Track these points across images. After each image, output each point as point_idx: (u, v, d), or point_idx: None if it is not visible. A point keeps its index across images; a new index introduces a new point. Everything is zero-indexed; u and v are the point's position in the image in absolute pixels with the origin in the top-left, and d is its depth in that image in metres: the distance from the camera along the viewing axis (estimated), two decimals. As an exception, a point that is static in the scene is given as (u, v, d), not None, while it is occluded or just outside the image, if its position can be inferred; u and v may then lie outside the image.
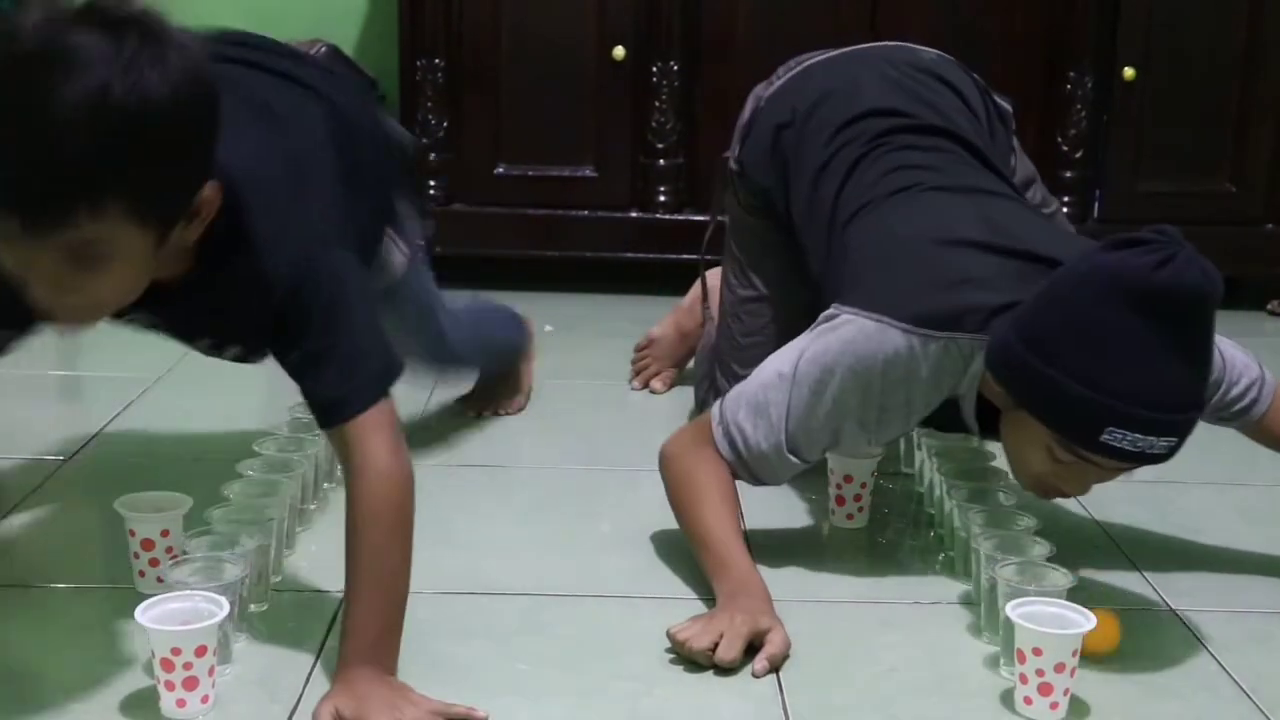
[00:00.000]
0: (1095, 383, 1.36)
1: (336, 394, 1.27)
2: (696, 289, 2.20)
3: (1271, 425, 1.59)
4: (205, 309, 1.30)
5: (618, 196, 2.94)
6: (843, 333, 1.51)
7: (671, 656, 1.38)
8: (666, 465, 1.59)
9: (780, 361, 1.54)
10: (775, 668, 1.36)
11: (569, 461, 1.95)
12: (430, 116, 2.90)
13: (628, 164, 2.93)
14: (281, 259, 1.26)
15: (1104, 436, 1.37)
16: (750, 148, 1.87)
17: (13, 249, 1.11)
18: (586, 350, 2.58)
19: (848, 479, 1.73)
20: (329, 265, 1.29)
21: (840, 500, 1.74)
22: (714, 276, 2.14)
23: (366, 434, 1.26)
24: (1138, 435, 1.37)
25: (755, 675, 1.35)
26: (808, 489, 1.82)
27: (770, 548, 1.65)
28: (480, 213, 2.95)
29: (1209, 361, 1.40)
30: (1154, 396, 1.36)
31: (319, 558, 1.59)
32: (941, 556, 1.66)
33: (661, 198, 2.94)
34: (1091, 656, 1.33)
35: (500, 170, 2.95)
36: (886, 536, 1.73)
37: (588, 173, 2.95)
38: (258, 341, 1.36)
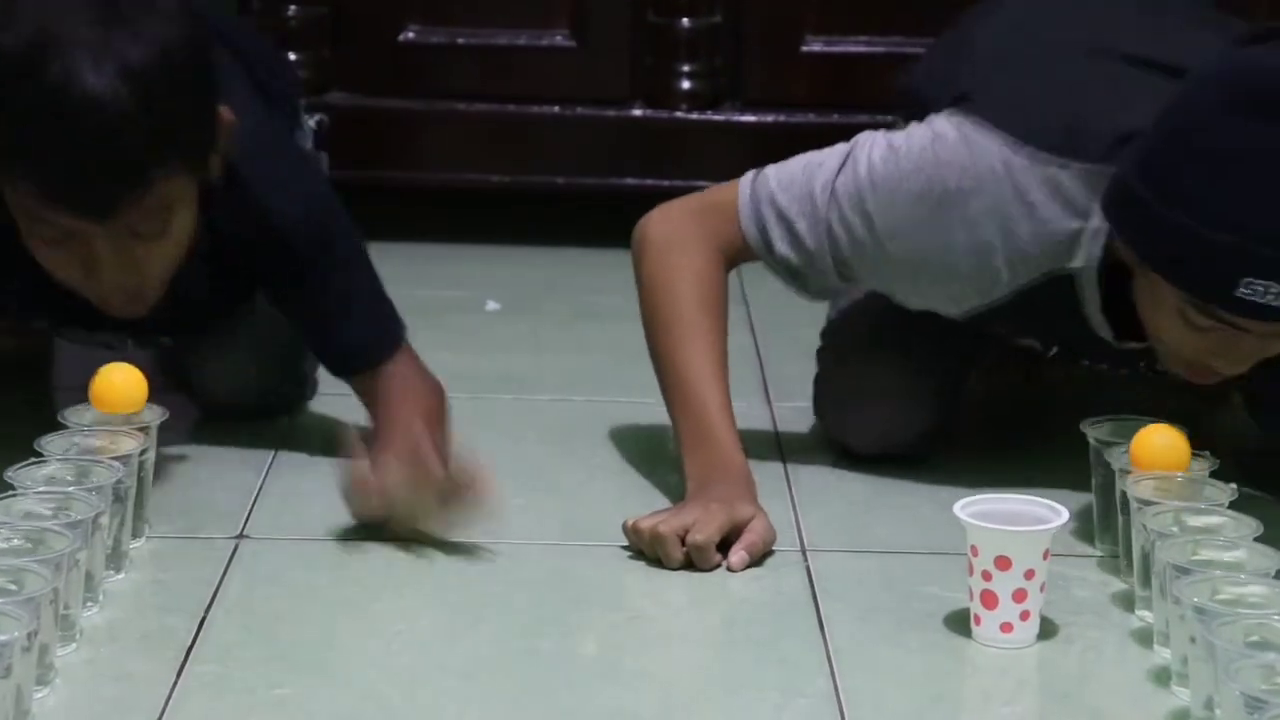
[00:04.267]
0: (1223, 220, 1.68)
1: (362, 340, 1.97)
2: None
3: None
4: (210, 277, 1.94)
5: (611, 82, 2.93)
6: (920, 133, 1.90)
7: None
8: (645, 252, 2.01)
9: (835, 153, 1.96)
10: (755, 561, 1.83)
11: (527, 534, 1.95)
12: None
13: (626, 27, 2.91)
14: (287, 196, 1.94)
15: (1241, 290, 1.68)
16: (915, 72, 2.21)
17: (81, 243, 1.76)
18: (554, 343, 2.58)
19: (1002, 563, 1.69)
20: (334, 203, 2.01)
21: (990, 600, 1.71)
22: None
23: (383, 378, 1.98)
24: None
25: (731, 569, 1.81)
26: (929, 578, 1.84)
27: (866, 681, 1.65)
28: (374, 107, 2.93)
29: None
30: None
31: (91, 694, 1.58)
32: (1173, 688, 1.63)
33: (684, 84, 2.92)
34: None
35: (409, 36, 2.93)
36: (1071, 663, 1.71)
37: (559, 40, 2.94)
38: (244, 293, 2.04)
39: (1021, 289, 1.90)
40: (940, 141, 1.88)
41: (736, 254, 1.99)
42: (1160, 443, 1.77)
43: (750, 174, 1.98)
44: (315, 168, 2.12)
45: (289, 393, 2.21)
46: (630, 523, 1.85)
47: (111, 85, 1.68)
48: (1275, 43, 1.73)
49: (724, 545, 1.83)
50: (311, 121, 2.44)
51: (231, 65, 1.98)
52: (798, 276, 1.96)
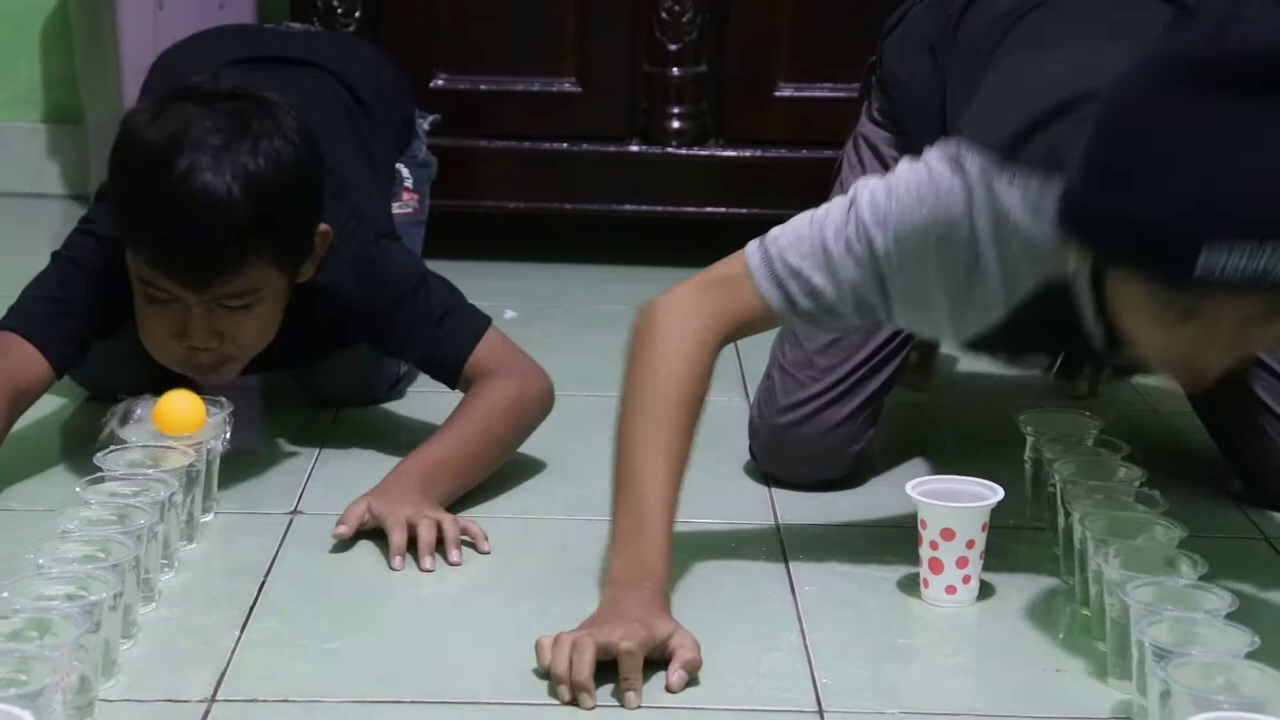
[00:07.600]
0: (1172, 193, 1.41)
1: (440, 358, 2.03)
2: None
3: None
4: (293, 340, 1.99)
5: (611, 122, 2.93)
6: (915, 169, 1.67)
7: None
8: (634, 339, 1.75)
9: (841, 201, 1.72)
10: (693, 677, 1.54)
11: (539, 509, 1.96)
12: (335, 1, 2.88)
13: (625, 76, 2.92)
14: (345, 269, 1.99)
15: (1203, 258, 1.40)
16: (896, 40, 2.08)
17: (179, 308, 1.85)
18: (563, 346, 2.55)
19: (947, 534, 1.70)
20: (385, 260, 2.04)
21: (936, 566, 1.72)
22: None
23: (480, 374, 2.02)
24: (1251, 241, 1.39)
25: (672, 690, 1.52)
26: (883, 549, 1.83)
27: (831, 635, 1.65)
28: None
29: None
30: (1262, 184, 1.39)
31: (171, 652, 1.59)
32: (1094, 642, 1.63)
33: (675, 124, 2.92)
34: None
35: (439, 83, 2.94)
36: (1006, 620, 1.71)
37: (567, 87, 2.94)
38: (324, 350, 2.15)
39: (1019, 306, 1.67)
40: (934, 175, 1.65)
41: (743, 325, 1.75)
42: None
43: (753, 243, 1.72)
44: (367, 220, 2.11)
45: (382, 394, 2.28)
46: (544, 642, 1.55)
47: (225, 182, 1.77)
48: (1187, 25, 1.51)
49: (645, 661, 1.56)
50: (426, 123, 2.56)
51: (352, 136, 2.13)
52: (818, 322, 1.73)
